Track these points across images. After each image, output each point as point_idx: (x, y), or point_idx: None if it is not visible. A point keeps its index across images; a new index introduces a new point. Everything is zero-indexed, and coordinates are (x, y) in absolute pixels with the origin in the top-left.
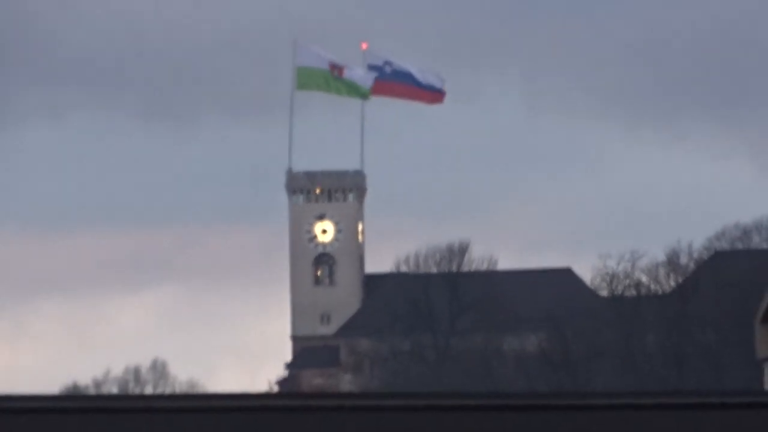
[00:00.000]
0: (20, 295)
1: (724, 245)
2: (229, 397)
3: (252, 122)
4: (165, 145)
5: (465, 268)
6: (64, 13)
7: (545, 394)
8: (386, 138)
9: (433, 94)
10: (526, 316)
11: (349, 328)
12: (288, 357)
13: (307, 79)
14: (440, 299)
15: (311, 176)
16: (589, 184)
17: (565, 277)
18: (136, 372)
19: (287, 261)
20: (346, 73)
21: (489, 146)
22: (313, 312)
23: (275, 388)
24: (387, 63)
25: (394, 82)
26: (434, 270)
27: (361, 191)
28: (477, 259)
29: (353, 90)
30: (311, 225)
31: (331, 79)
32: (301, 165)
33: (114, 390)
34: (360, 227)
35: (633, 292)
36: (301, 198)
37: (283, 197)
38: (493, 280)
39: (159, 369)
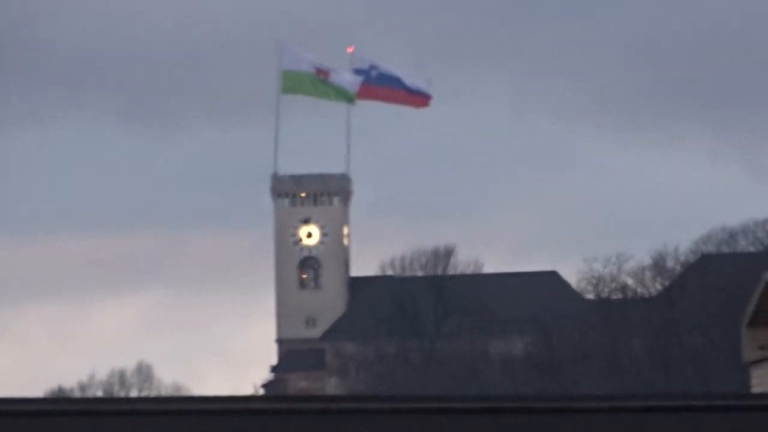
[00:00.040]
0: (6, 299)
1: (711, 248)
2: (214, 400)
3: (237, 126)
4: (150, 149)
5: (451, 272)
6: (48, 17)
7: (531, 397)
8: (372, 141)
9: (420, 98)
10: (511, 319)
11: (334, 332)
12: (273, 360)
13: (293, 82)
14: (426, 303)
15: (297, 180)
16: (574, 187)
17: (551, 280)
18: (122, 375)
19: (272, 264)
20: (332, 77)
21: (475, 149)
22: (299, 315)
23: (260, 392)
24: (373, 67)
25: (380, 86)
26: (420, 273)
27: (346, 195)
28: (463, 262)
29: (339, 94)
30: (296, 228)
31: (317, 82)
32: (287, 168)
33: (99, 393)
34: (345, 231)
35: (619, 295)
36: (286, 201)
37: (268, 201)
38: (478, 283)
39: (144, 372)
